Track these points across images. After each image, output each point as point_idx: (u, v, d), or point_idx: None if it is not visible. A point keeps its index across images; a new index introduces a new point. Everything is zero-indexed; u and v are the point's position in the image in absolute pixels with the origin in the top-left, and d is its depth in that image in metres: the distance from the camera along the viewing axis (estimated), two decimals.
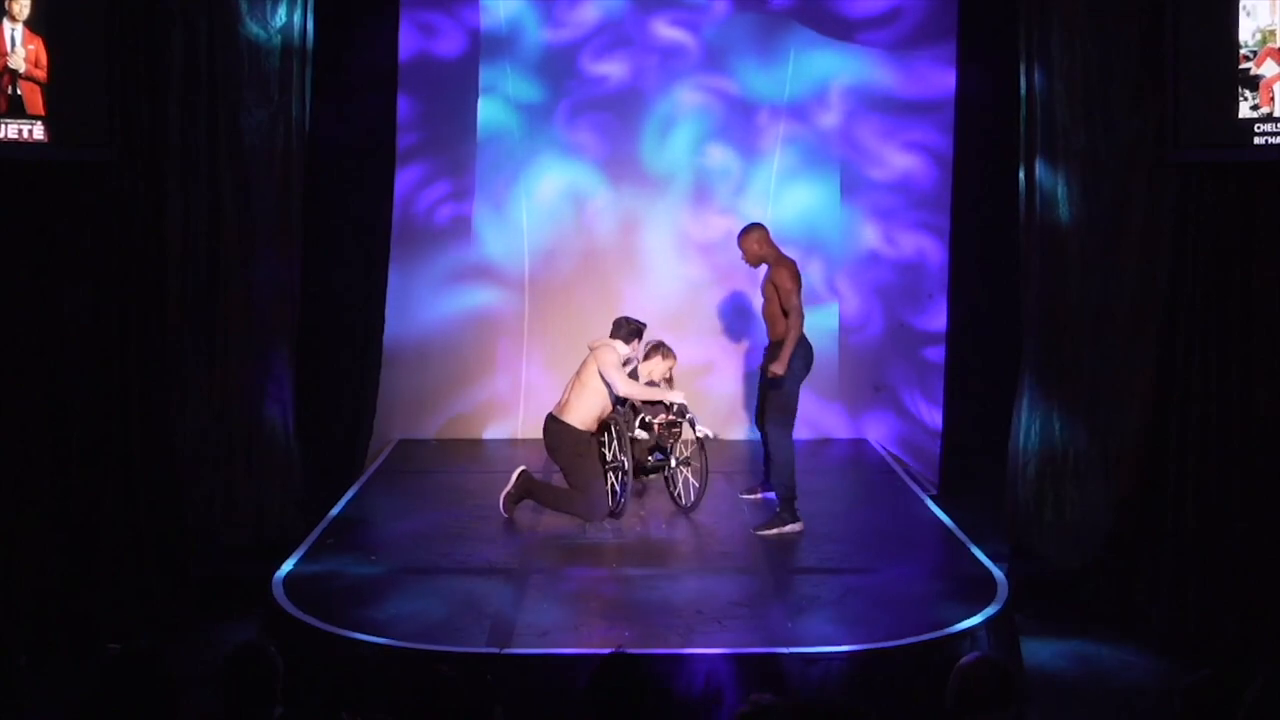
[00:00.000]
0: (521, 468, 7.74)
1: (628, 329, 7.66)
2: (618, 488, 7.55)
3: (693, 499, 7.75)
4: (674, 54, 9.74)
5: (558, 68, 9.71)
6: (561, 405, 7.61)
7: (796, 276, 7.40)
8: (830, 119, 9.73)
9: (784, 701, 3.77)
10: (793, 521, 7.30)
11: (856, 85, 9.69)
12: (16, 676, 3.93)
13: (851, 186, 9.76)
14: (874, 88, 9.67)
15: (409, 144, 9.27)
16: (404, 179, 9.08)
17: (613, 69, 9.75)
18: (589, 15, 9.72)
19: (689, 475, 7.79)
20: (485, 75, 9.66)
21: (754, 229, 7.58)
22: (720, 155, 9.81)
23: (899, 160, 9.71)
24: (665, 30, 9.74)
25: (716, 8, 9.71)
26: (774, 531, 7.26)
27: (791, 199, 9.78)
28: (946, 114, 8.65)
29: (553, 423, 7.58)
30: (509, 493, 7.66)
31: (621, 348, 7.59)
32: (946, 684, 3.81)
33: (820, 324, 9.41)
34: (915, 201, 9.68)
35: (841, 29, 9.67)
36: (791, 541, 7.21)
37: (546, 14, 9.70)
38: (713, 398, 9.65)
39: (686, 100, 9.77)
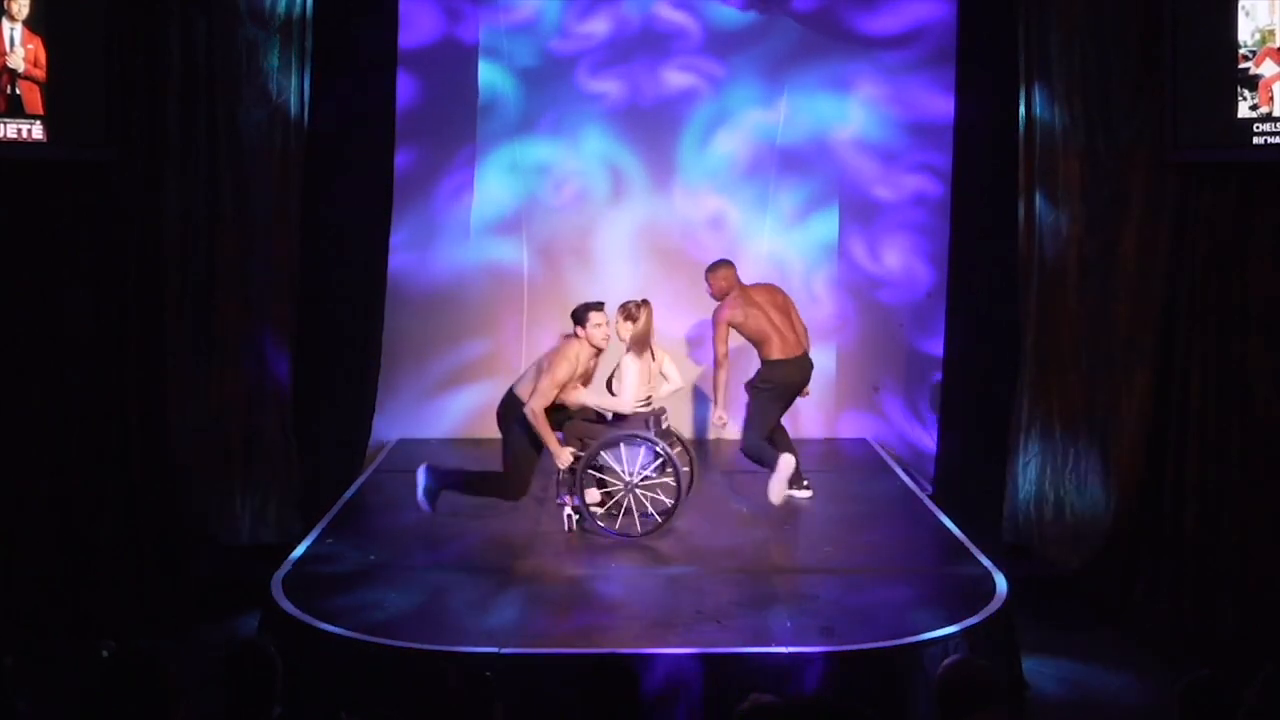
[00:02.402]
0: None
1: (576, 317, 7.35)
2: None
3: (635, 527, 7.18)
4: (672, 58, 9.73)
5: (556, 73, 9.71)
6: None
7: (725, 321, 7.58)
8: (829, 116, 9.73)
9: (784, 701, 3.77)
10: (775, 463, 7.28)
11: (854, 82, 9.67)
12: (3, 677, 3.91)
13: (851, 184, 9.75)
14: (872, 93, 9.65)
15: (407, 137, 9.22)
16: (402, 176, 9.04)
17: (610, 81, 9.73)
18: (594, 25, 9.68)
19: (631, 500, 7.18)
20: (484, 71, 9.66)
21: (721, 265, 7.79)
22: (717, 159, 9.79)
23: (897, 145, 9.70)
24: (663, 31, 9.72)
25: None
26: (776, 487, 7.25)
27: (790, 200, 9.77)
28: (947, 100, 8.62)
29: None
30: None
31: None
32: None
33: (818, 324, 9.41)
34: (916, 197, 9.67)
35: (838, 34, 9.64)
36: (791, 540, 7.19)
37: (550, 20, 9.67)
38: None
39: (684, 104, 9.76)
